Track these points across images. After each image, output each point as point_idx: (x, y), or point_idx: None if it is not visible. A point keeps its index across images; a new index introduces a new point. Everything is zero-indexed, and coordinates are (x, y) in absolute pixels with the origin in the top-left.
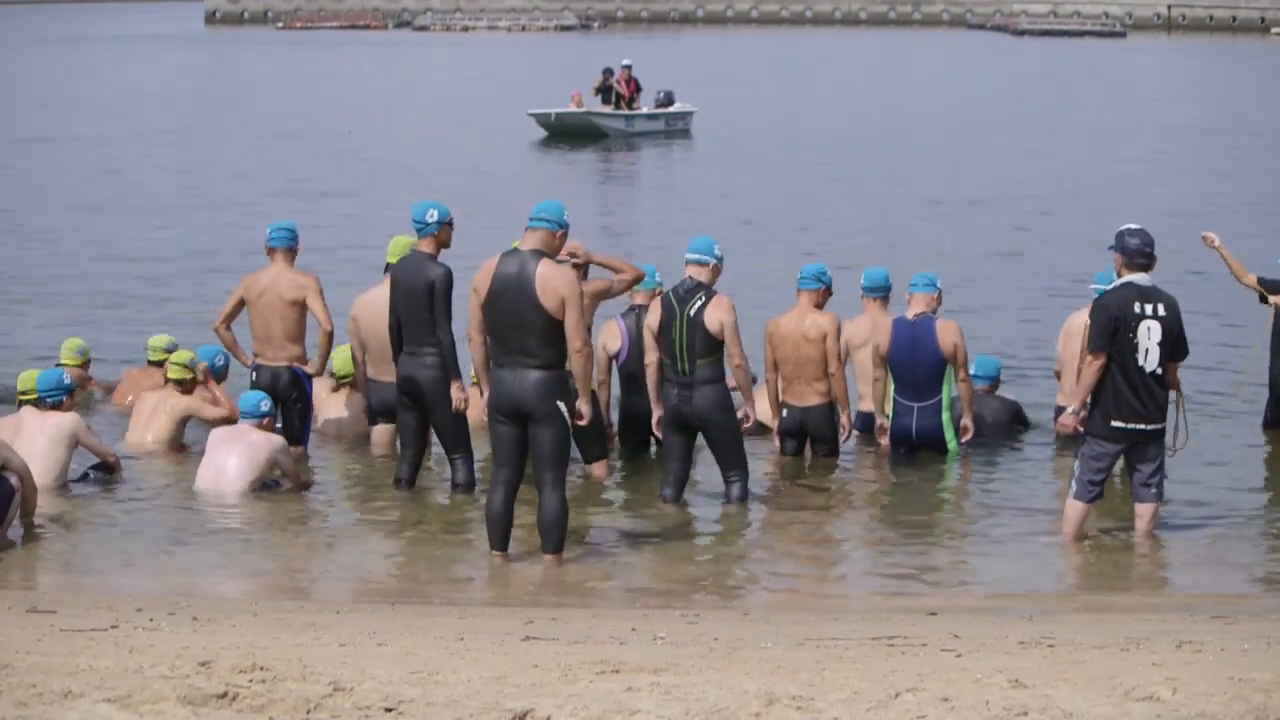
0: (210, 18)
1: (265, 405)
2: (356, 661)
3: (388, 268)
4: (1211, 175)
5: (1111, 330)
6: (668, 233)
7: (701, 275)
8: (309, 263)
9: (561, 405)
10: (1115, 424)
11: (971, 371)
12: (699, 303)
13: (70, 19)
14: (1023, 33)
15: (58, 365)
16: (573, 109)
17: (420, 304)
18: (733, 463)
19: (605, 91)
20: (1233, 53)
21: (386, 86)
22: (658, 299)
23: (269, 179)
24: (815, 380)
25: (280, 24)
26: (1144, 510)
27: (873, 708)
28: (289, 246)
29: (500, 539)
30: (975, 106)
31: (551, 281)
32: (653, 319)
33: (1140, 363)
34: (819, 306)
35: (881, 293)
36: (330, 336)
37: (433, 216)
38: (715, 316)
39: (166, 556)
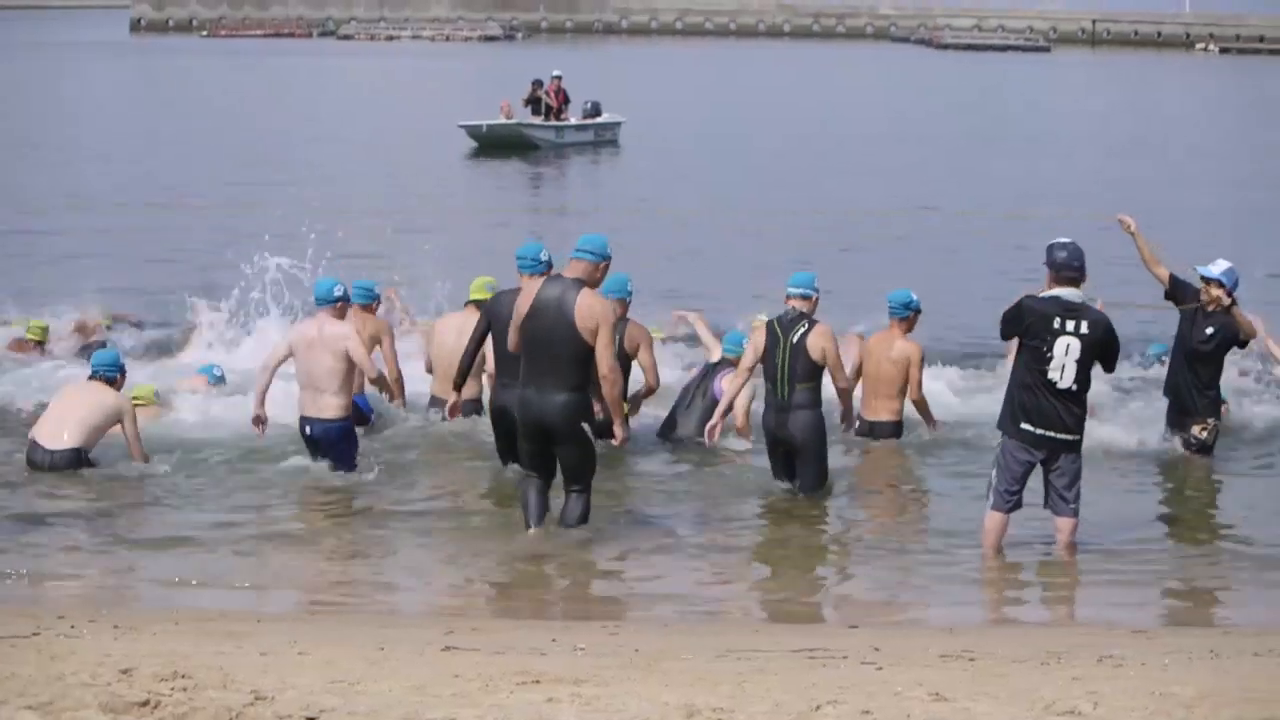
0: (135, 25)
1: (339, 290)
2: (277, 670)
3: (468, 302)
4: (1142, 185)
5: (1020, 328)
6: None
7: (804, 307)
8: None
9: (586, 427)
10: (1024, 426)
11: None
12: (801, 330)
13: None
14: (946, 46)
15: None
16: (503, 120)
17: None
18: (813, 479)
19: (535, 103)
20: (1158, 67)
21: (314, 97)
22: (762, 326)
23: (195, 188)
24: (890, 399)
25: (205, 32)
26: (1063, 525)
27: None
28: (360, 304)
29: (536, 520)
30: (899, 118)
31: (590, 309)
32: (758, 342)
33: (1051, 376)
34: (909, 330)
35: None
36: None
37: (545, 255)
38: (817, 344)
39: (96, 564)
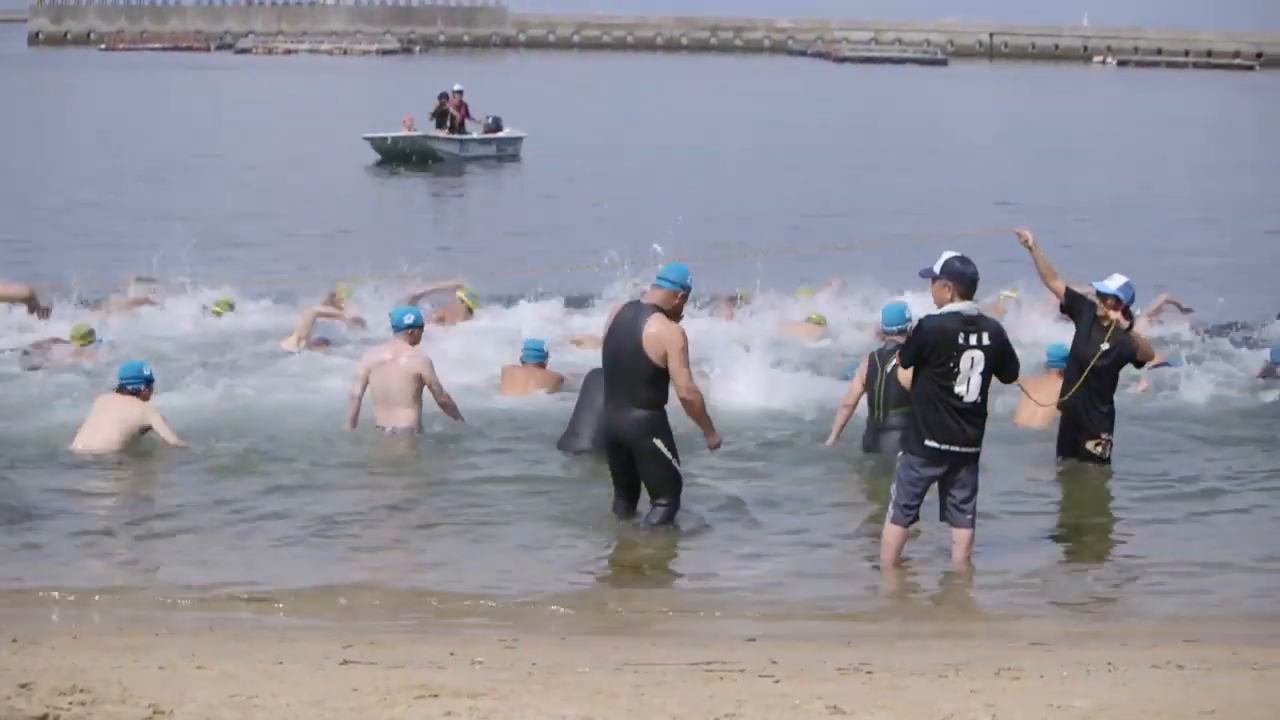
0: (34, 39)
1: (410, 319)
2: (176, 684)
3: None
4: (1039, 197)
5: (922, 356)
6: (501, 250)
7: (901, 340)
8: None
9: (658, 442)
10: (930, 444)
11: None
12: (894, 362)
13: None
14: (844, 60)
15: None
16: (406, 133)
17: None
18: None
19: (440, 116)
20: (1056, 79)
21: (214, 110)
22: (866, 358)
23: (99, 205)
24: None
25: (103, 45)
26: (960, 536)
27: None
28: (533, 362)
29: (621, 515)
30: (795, 130)
31: (657, 334)
32: (861, 371)
33: (959, 390)
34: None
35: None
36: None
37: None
38: (903, 374)
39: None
